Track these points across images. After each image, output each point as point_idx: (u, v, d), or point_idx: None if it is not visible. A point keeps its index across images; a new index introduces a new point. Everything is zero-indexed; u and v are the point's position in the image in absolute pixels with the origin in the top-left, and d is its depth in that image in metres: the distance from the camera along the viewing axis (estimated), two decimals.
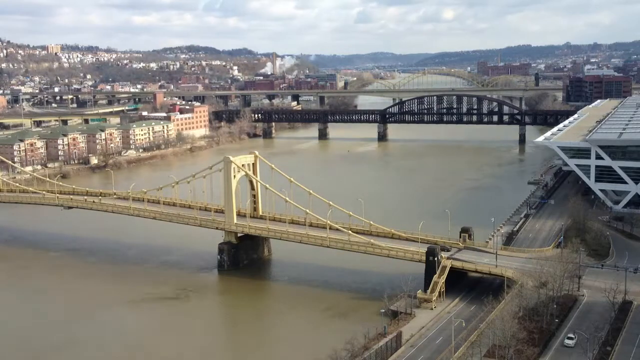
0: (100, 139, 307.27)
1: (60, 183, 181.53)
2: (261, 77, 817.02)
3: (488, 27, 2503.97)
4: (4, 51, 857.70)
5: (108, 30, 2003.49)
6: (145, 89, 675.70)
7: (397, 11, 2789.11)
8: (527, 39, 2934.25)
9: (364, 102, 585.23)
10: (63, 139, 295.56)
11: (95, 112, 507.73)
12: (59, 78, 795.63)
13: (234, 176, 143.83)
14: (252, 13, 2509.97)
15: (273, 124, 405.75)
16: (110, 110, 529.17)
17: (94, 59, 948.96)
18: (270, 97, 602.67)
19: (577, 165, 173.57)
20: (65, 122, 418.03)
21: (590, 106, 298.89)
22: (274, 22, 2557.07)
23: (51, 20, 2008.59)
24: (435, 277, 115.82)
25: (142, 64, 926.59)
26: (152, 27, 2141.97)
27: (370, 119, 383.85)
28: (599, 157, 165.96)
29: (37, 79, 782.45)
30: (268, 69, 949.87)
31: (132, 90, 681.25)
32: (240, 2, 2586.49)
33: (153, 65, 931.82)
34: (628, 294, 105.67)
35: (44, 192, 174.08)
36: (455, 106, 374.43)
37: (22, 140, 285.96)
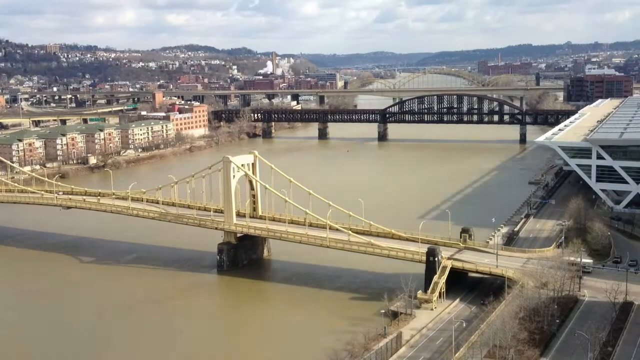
0: (99, 139, 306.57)
1: (59, 183, 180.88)
2: (261, 77, 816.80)
3: (503, 27, 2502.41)
4: (3, 50, 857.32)
5: (133, 31, 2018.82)
6: (144, 89, 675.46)
7: (423, 10, 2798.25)
8: (529, 39, 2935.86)
9: (364, 101, 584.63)
10: (62, 139, 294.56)
11: (94, 111, 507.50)
12: (57, 77, 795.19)
13: (234, 176, 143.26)
14: (285, 13, 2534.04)
15: (273, 123, 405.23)
16: (109, 109, 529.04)
17: (93, 59, 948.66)
18: (270, 97, 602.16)
19: (578, 165, 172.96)
20: (64, 122, 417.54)
21: (591, 106, 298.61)
22: (300, 21, 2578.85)
23: (84, 20, 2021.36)
24: (435, 278, 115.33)
25: (141, 64, 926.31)
26: (173, 27, 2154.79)
27: (371, 118, 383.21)
28: (600, 157, 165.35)
29: (35, 78, 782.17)
30: (268, 68, 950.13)
31: (131, 89, 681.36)
32: (277, 2, 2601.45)
33: (152, 64, 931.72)
34: (629, 294, 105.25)
35: (42, 192, 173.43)
36: (455, 106, 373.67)
37: (20, 140, 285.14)
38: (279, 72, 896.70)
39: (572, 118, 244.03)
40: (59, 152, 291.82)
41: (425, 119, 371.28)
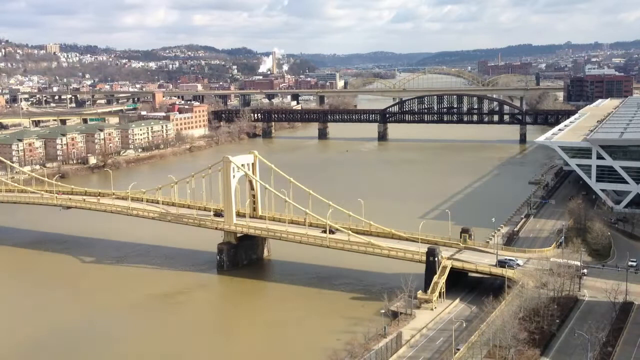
0: (99, 139, 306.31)
1: (59, 183, 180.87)
2: (260, 77, 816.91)
3: (517, 27, 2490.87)
4: (3, 50, 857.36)
5: (153, 31, 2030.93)
6: (144, 89, 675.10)
7: (441, 10, 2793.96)
8: (530, 38, 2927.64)
9: (364, 101, 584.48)
10: (62, 139, 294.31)
11: (94, 111, 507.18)
12: (57, 77, 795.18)
13: (234, 176, 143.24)
14: (313, 13, 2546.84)
15: (273, 123, 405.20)
16: (109, 109, 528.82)
17: (93, 59, 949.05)
18: (270, 97, 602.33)
19: (578, 165, 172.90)
20: (63, 122, 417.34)
21: (591, 106, 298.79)
22: (321, 21, 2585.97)
23: (114, 21, 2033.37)
24: (435, 278, 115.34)
25: (141, 64, 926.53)
26: (194, 27, 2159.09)
27: (371, 118, 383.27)
28: (600, 156, 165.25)
29: (35, 78, 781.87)
30: (267, 64, 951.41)
31: (131, 89, 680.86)
32: (306, 3, 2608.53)
33: (152, 64, 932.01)
34: (629, 294, 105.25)
35: (42, 192, 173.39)
36: (455, 106, 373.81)
37: (20, 140, 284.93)
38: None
39: (572, 118, 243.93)
40: (59, 152, 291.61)
41: (425, 119, 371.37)
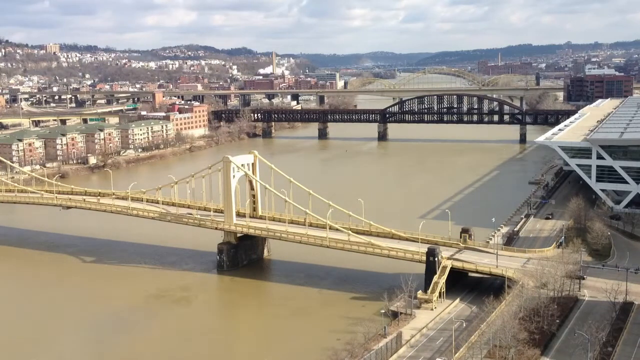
0: (99, 139, 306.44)
1: (59, 183, 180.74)
2: (261, 77, 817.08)
3: (526, 26, 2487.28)
4: (3, 50, 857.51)
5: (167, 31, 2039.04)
6: (144, 89, 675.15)
7: (453, 10, 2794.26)
8: (537, 38, 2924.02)
9: (364, 101, 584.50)
10: (62, 139, 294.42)
11: (94, 111, 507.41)
12: (57, 77, 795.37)
13: (234, 176, 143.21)
14: (330, 14, 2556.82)
15: (273, 123, 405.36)
16: (109, 109, 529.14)
17: (93, 59, 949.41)
18: (270, 97, 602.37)
19: (578, 165, 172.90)
20: (63, 122, 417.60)
21: (591, 106, 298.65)
22: (335, 21, 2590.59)
23: (135, 21, 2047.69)
24: (435, 278, 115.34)
25: (141, 64, 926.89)
26: (208, 28, 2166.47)
27: (370, 118, 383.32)
28: (600, 156, 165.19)
29: (35, 78, 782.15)
30: (268, 69, 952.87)
31: (131, 89, 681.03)
32: (326, 4, 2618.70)
33: (152, 64, 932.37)
34: (629, 294, 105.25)
35: (42, 192, 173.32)
36: (455, 106, 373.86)
37: (20, 140, 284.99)
38: (278, 71, 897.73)
39: (572, 118, 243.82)
40: (59, 152, 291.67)
41: (425, 119, 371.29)
